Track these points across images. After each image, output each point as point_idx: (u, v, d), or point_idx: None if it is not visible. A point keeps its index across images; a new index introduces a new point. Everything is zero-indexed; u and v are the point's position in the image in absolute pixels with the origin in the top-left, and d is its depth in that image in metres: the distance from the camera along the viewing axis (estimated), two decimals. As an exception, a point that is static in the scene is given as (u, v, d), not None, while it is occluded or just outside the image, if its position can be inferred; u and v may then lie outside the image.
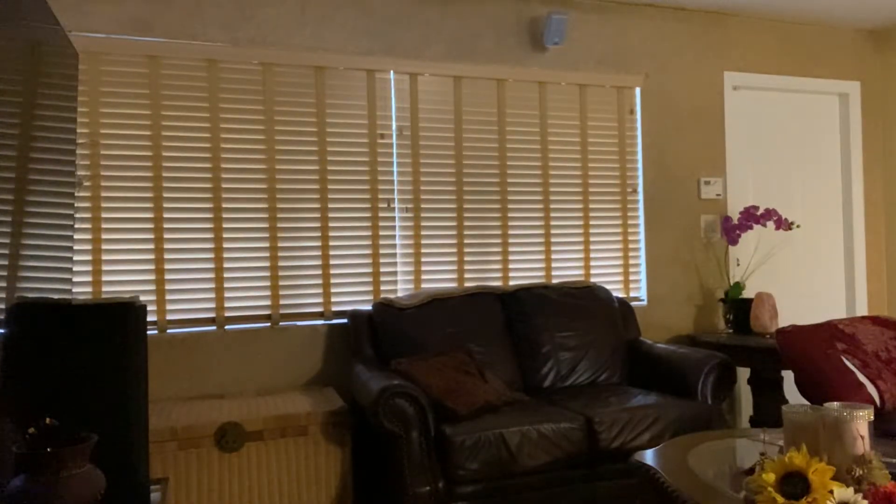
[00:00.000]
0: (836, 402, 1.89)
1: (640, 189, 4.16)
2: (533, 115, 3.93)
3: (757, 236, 4.30)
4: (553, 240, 3.96)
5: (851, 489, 1.60)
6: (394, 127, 3.68)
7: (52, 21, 2.08)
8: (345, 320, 3.54)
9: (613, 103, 4.11)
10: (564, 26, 3.82)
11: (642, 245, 4.17)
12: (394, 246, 3.67)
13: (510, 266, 3.87)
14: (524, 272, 3.90)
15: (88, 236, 3.16)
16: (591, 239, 4.04)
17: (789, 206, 4.53)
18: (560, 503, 2.84)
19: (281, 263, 3.46)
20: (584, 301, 3.67)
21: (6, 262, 1.75)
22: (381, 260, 3.63)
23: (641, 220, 4.17)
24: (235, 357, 3.37)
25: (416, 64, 3.69)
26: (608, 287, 3.94)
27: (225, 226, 3.37)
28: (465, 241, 3.79)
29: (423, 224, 3.71)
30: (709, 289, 4.29)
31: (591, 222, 4.05)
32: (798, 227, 4.21)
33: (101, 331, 2.05)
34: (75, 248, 3.03)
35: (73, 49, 2.58)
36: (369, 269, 3.61)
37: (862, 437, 1.75)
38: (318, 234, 3.53)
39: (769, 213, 4.02)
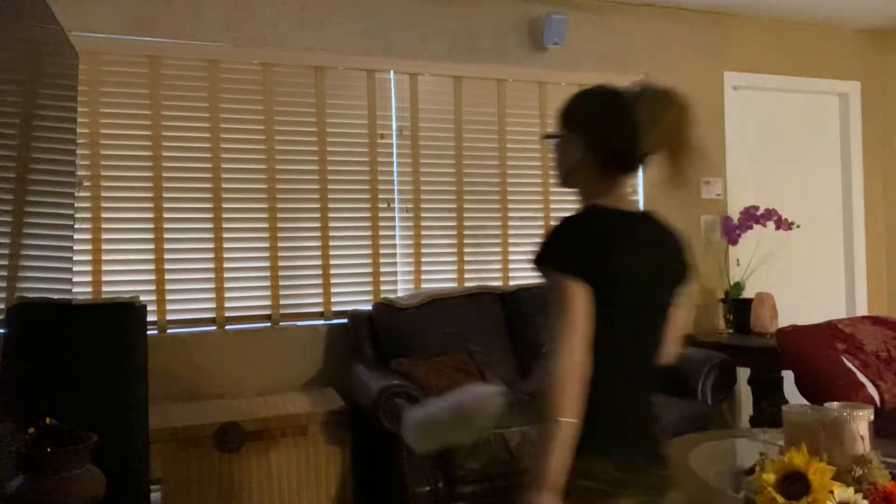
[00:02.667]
0: (836, 402, 1.89)
1: (640, 189, 4.16)
2: (533, 115, 3.93)
3: (757, 236, 4.29)
4: (553, 240, 3.95)
5: (851, 489, 1.60)
6: (394, 127, 3.67)
7: (52, 21, 2.08)
8: (345, 320, 3.54)
9: (613, 103, 4.10)
10: (564, 26, 3.82)
11: (642, 245, 4.16)
12: (394, 246, 3.67)
13: (510, 266, 3.87)
14: (524, 272, 3.89)
15: (88, 236, 3.16)
16: (591, 239, 4.03)
17: (789, 206, 4.52)
18: (560, 503, 2.83)
19: (281, 263, 3.46)
20: (584, 301, 3.66)
21: (6, 262, 1.75)
22: (381, 260, 3.63)
23: (641, 220, 4.16)
24: (235, 357, 3.36)
25: (416, 64, 3.69)
26: (608, 287, 3.93)
27: (225, 226, 3.37)
28: (465, 241, 3.79)
29: (423, 224, 3.70)
30: (709, 289, 4.29)
31: (591, 222, 4.04)
32: (798, 227, 4.20)
33: (101, 331, 2.04)
34: (75, 248, 3.02)
35: (73, 49, 2.58)
36: (369, 269, 3.61)
37: (862, 437, 1.75)
38: (318, 234, 3.52)
39: (769, 213, 4.01)
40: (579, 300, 1.29)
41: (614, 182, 1.47)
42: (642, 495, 1.37)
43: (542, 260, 1.37)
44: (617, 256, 1.37)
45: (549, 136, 1.59)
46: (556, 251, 1.38)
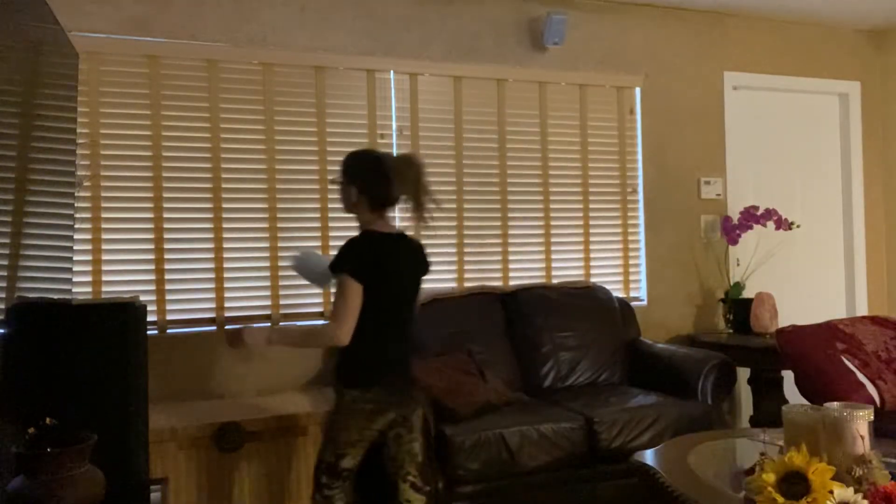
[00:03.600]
0: (836, 402, 1.89)
1: (640, 189, 4.16)
2: (533, 115, 3.93)
3: (757, 236, 4.30)
4: (553, 240, 3.96)
5: (851, 489, 1.60)
6: (394, 127, 3.67)
7: (52, 21, 2.08)
8: (345, 320, 3.54)
9: (613, 103, 4.11)
10: (564, 26, 3.82)
11: (642, 245, 4.17)
12: (394, 246, 3.66)
13: (510, 266, 3.87)
14: (524, 272, 3.90)
15: (88, 236, 3.16)
16: (591, 239, 4.04)
17: (789, 206, 4.52)
18: (560, 503, 2.84)
19: (281, 263, 3.46)
20: (584, 301, 3.67)
21: (6, 262, 1.75)
22: (381, 260, 3.62)
23: (641, 220, 4.17)
24: (235, 357, 3.36)
25: (416, 64, 3.69)
26: (608, 287, 3.93)
27: (225, 226, 3.37)
28: (465, 241, 3.79)
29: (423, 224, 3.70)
30: (709, 289, 4.29)
31: (591, 222, 4.05)
32: (798, 227, 4.21)
33: (101, 331, 2.04)
34: (75, 248, 3.03)
35: (73, 49, 2.58)
36: (369, 269, 3.60)
37: (862, 437, 1.75)
38: (319, 234, 3.52)
39: (769, 213, 4.02)
40: (355, 292, 2.16)
41: (381, 214, 2.31)
42: (402, 410, 2.29)
43: (336, 266, 2.21)
44: (383, 263, 2.22)
45: (332, 182, 2.49)
46: (345, 260, 2.20)
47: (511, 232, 3.87)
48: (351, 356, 2.25)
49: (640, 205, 4.17)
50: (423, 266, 2.41)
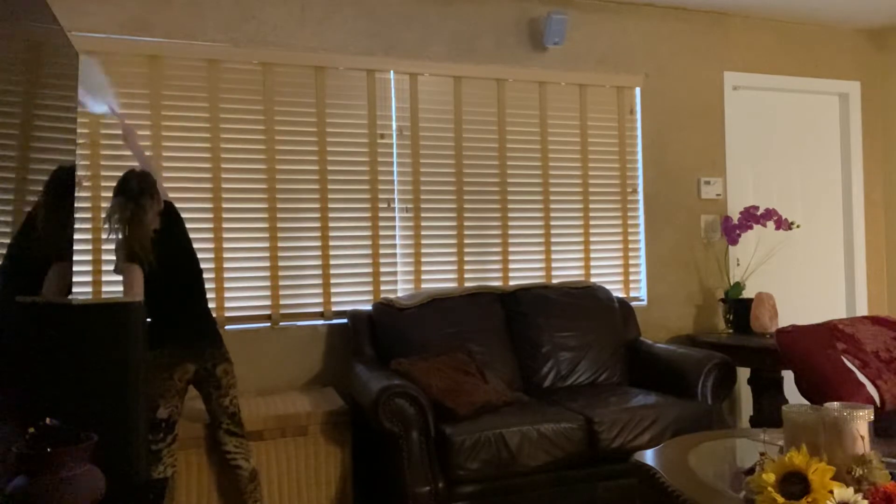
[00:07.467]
0: (836, 402, 1.88)
1: (640, 189, 4.16)
2: (533, 115, 3.93)
3: (757, 236, 4.30)
4: (553, 240, 3.96)
5: (851, 489, 1.60)
6: (394, 127, 3.67)
7: (52, 21, 2.08)
8: (345, 320, 3.54)
9: (613, 103, 4.11)
10: (564, 26, 3.82)
11: (642, 245, 4.17)
12: (394, 246, 3.67)
13: (510, 266, 3.87)
14: (524, 272, 3.90)
15: (89, 236, 3.16)
16: (591, 239, 4.04)
17: (789, 206, 4.53)
18: (560, 503, 2.84)
19: (281, 263, 3.46)
20: (584, 301, 3.67)
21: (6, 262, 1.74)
22: (381, 260, 3.63)
23: (641, 220, 4.17)
24: (235, 357, 3.36)
25: (416, 64, 3.69)
26: (608, 287, 3.94)
27: (225, 226, 3.37)
28: (465, 241, 3.79)
29: (423, 224, 3.71)
30: (709, 289, 4.29)
31: (591, 222, 4.05)
32: (798, 227, 4.21)
33: (101, 331, 2.04)
34: (75, 248, 3.02)
35: (73, 49, 2.58)
36: (369, 269, 3.61)
37: (862, 437, 1.75)
38: (318, 234, 3.52)
39: (769, 213, 4.02)
40: (138, 272, 2.60)
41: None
42: (201, 363, 2.68)
43: (121, 261, 2.63)
44: (147, 257, 2.64)
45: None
46: (124, 255, 2.63)
47: (511, 232, 3.88)
48: (149, 324, 2.67)
49: (640, 205, 4.17)
50: (182, 236, 2.80)
